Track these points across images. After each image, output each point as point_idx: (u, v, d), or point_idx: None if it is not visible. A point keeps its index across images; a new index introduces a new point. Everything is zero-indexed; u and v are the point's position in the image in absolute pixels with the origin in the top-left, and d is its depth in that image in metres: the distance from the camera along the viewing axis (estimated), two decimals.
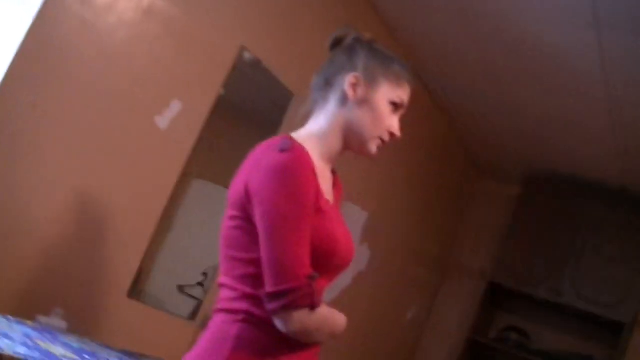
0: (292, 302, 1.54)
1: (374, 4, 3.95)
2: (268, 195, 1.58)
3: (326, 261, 1.65)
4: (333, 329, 1.68)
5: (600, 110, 4.19)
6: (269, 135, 1.77)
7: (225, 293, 1.67)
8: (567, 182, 5.46)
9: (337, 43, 1.87)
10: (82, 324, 2.72)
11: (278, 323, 1.57)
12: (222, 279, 1.69)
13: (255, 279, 1.60)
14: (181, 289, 3.30)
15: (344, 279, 4.42)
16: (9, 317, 2.26)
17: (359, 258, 4.60)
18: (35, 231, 2.50)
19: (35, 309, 2.53)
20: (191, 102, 2.98)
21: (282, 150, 1.61)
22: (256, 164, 1.64)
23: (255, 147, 1.71)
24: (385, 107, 1.81)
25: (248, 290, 1.62)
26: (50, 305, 2.59)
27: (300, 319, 1.56)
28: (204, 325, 1.71)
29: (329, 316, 1.65)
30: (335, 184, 1.87)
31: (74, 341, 2.36)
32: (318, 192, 1.64)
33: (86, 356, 2.19)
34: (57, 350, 2.08)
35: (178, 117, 2.92)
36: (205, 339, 1.66)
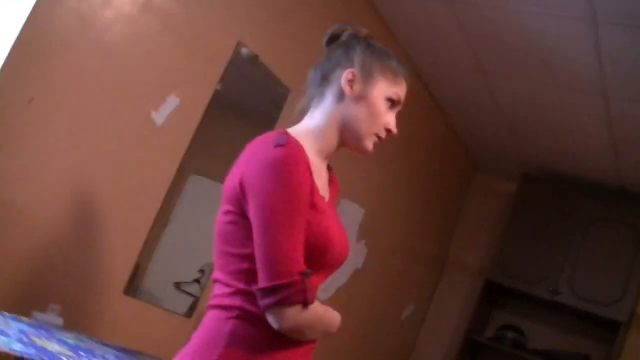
0: (284, 298, 1.53)
1: (371, 0, 3.94)
2: (262, 190, 1.57)
3: (320, 258, 1.64)
4: (327, 327, 1.67)
5: (597, 107, 4.20)
6: (266, 130, 1.76)
7: (219, 289, 1.66)
8: (564, 180, 5.47)
9: (333, 39, 1.86)
10: (78, 321, 2.72)
11: (270, 319, 1.56)
12: (216, 274, 1.68)
13: (249, 275, 1.59)
14: (178, 285, 3.29)
15: (340, 277, 4.42)
16: (5, 313, 2.25)
17: (356, 256, 4.60)
18: (31, 227, 2.49)
19: (31, 305, 2.52)
20: (188, 97, 2.97)
21: (277, 145, 1.60)
22: (251, 159, 1.63)
23: (251, 141, 1.70)
24: (381, 104, 1.80)
25: (242, 286, 1.61)
26: (46, 301, 2.58)
27: (293, 315, 1.55)
28: (200, 321, 1.70)
29: (323, 313, 1.64)
30: (331, 181, 1.86)
31: (70, 338, 2.36)
32: (313, 188, 1.64)
33: (82, 353, 2.19)
34: (53, 346, 2.07)
35: (174, 113, 2.92)
36: (198, 335, 1.65)
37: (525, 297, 5.36)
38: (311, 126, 1.80)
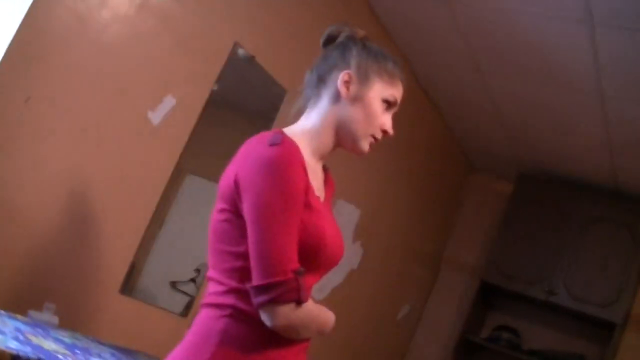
0: (278, 296, 1.54)
1: (369, 1, 3.95)
2: (257, 189, 1.57)
3: (314, 257, 1.65)
4: (321, 326, 1.67)
5: (593, 108, 4.20)
6: (262, 131, 1.76)
7: (212, 287, 1.67)
8: (560, 181, 5.48)
9: (330, 40, 1.87)
10: (74, 319, 2.72)
11: (263, 317, 1.56)
12: (210, 272, 1.69)
13: (243, 273, 1.60)
14: (174, 285, 3.30)
15: (336, 277, 4.43)
16: (1, 311, 2.26)
17: (352, 256, 4.60)
18: (27, 226, 2.49)
19: (27, 304, 2.53)
20: (184, 98, 2.98)
21: (272, 144, 1.61)
22: (246, 157, 1.64)
23: (247, 140, 1.71)
24: (378, 105, 1.81)
25: (235, 284, 1.61)
26: (42, 300, 2.59)
27: (286, 313, 1.56)
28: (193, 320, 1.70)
29: (317, 312, 1.65)
30: (327, 181, 1.87)
31: (66, 336, 2.36)
32: (308, 187, 1.64)
33: (78, 351, 2.19)
34: (49, 345, 2.07)
35: (171, 113, 2.92)
36: (191, 334, 1.65)
37: (520, 297, 5.37)
38: (307, 126, 1.80)
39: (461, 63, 4.28)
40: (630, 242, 5.03)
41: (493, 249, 5.45)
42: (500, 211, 5.71)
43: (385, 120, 1.83)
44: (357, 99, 1.79)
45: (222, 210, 1.65)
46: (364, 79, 1.80)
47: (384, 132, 1.83)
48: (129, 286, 3.00)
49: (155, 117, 2.86)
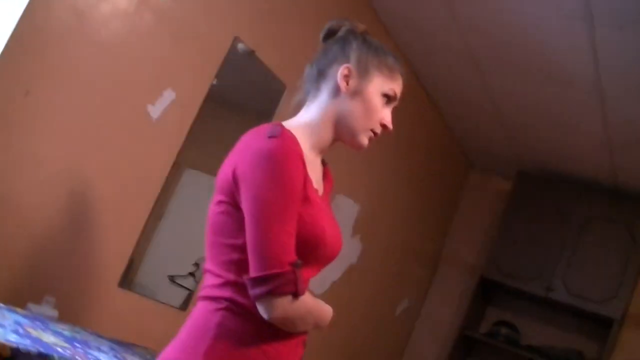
0: (274, 288, 1.53)
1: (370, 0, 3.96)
2: (255, 181, 1.57)
3: (311, 250, 1.64)
4: (318, 320, 1.67)
5: (593, 105, 4.21)
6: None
7: (209, 279, 1.66)
8: (559, 178, 5.48)
9: (330, 34, 1.87)
10: (73, 313, 2.73)
11: (260, 309, 1.56)
12: (207, 265, 1.68)
13: (240, 265, 1.59)
14: (172, 279, 3.30)
15: (335, 272, 4.43)
16: (0, 304, 2.26)
17: (351, 251, 4.61)
18: (26, 219, 2.50)
19: (26, 297, 2.53)
20: (184, 92, 2.98)
21: (271, 136, 1.60)
22: (244, 149, 1.63)
23: (245, 133, 1.71)
24: (377, 100, 1.80)
25: (232, 277, 1.61)
26: (41, 293, 2.59)
27: (283, 305, 1.55)
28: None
29: (314, 306, 1.64)
30: (325, 176, 1.87)
31: (65, 329, 2.36)
32: (306, 180, 1.64)
33: (77, 344, 2.20)
34: (48, 338, 2.08)
35: (170, 107, 2.92)
36: (187, 327, 1.65)
37: (519, 293, 5.38)
38: (306, 120, 1.80)
39: (460, 60, 4.28)
40: (629, 240, 5.04)
41: (492, 245, 5.46)
42: (499, 209, 5.72)
43: (385, 115, 1.82)
44: (356, 93, 1.79)
45: (220, 203, 1.65)
46: (363, 73, 1.79)
47: (384, 126, 1.82)
48: (127, 280, 3.00)
49: (155, 111, 2.86)
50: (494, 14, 3.66)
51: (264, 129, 1.65)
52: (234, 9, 3.13)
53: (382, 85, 1.81)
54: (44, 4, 2.33)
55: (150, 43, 2.77)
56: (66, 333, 2.31)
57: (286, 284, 1.54)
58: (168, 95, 2.90)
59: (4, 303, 2.31)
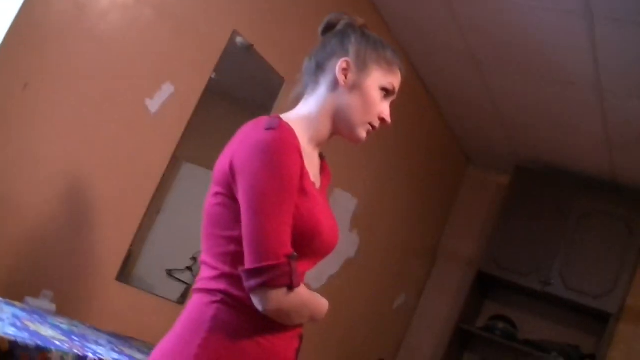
0: (269, 280, 1.53)
1: None
2: (252, 173, 1.57)
3: (308, 243, 1.64)
4: (313, 312, 1.66)
5: (590, 101, 4.21)
6: None
7: (204, 272, 1.66)
8: (557, 173, 5.49)
9: (329, 28, 1.86)
10: (71, 307, 2.73)
11: (255, 301, 1.56)
12: (202, 256, 1.68)
13: (236, 258, 1.59)
14: (170, 273, 3.30)
15: (332, 266, 4.44)
16: None
17: (348, 245, 4.61)
18: (24, 213, 2.50)
19: (25, 291, 2.53)
20: (182, 86, 2.98)
21: (269, 129, 1.60)
22: (242, 141, 1.63)
23: (243, 125, 1.71)
24: (376, 93, 1.80)
25: (227, 269, 1.61)
26: (39, 287, 2.59)
27: (278, 297, 1.55)
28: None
29: (309, 298, 1.64)
30: (323, 169, 1.87)
31: (63, 323, 2.37)
32: (303, 173, 1.63)
33: (75, 338, 2.20)
34: (46, 331, 2.08)
35: (169, 101, 2.92)
36: (182, 320, 1.65)
37: (516, 288, 5.39)
38: (304, 113, 1.80)
39: (458, 56, 4.28)
40: (626, 233, 5.05)
41: (489, 239, 5.47)
42: (497, 203, 5.72)
43: (383, 109, 1.82)
44: (355, 87, 1.79)
45: (216, 194, 1.65)
46: (362, 66, 1.79)
47: (382, 120, 1.82)
48: (125, 274, 3.00)
49: (153, 104, 2.86)
50: (494, 14, 3.66)
51: (262, 121, 1.65)
52: (233, 2, 3.13)
53: (380, 79, 1.81)
54: None
55: (149, 37, 2.77)
56: (64, 326, 2.31)
57: (281, 276, 1.54)
58: (167, 89, 2.90)
59: (2, 297, 2.31)
